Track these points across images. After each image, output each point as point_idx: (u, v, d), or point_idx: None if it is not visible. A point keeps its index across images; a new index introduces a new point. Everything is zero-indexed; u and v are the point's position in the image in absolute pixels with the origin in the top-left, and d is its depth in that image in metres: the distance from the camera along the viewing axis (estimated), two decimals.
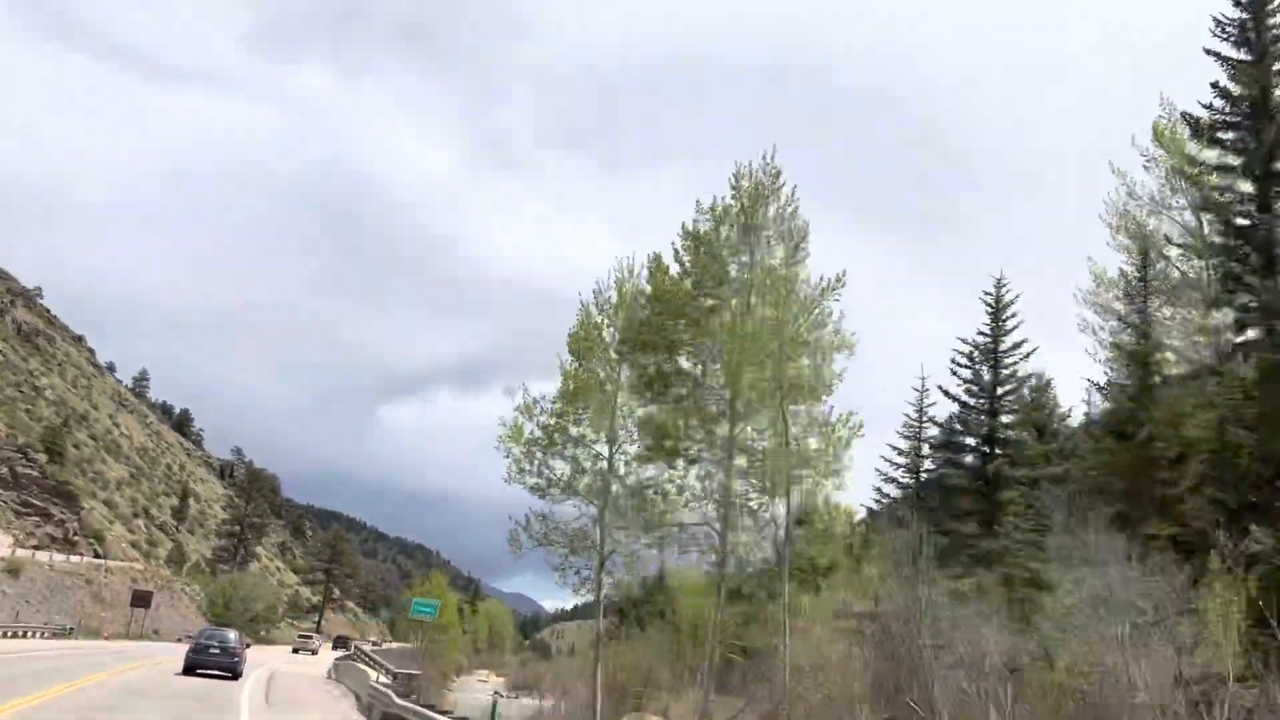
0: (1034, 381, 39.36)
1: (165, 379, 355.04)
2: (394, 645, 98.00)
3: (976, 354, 38.39)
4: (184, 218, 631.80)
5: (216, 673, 31.82)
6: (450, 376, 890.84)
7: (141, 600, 66.04)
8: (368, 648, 69.79)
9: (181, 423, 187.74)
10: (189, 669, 31.69)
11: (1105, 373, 33.19)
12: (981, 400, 38.28)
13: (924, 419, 42.70)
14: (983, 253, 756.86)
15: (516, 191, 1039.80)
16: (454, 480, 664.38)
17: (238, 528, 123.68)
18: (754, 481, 29.84)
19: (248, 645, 45.30)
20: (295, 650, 72.40)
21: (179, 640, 70.91)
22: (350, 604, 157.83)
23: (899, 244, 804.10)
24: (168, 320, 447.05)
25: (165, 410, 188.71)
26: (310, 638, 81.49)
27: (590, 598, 34.57)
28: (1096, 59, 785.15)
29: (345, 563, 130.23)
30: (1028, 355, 37.99)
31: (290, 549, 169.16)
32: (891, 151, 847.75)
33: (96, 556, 74.20)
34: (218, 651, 32.68)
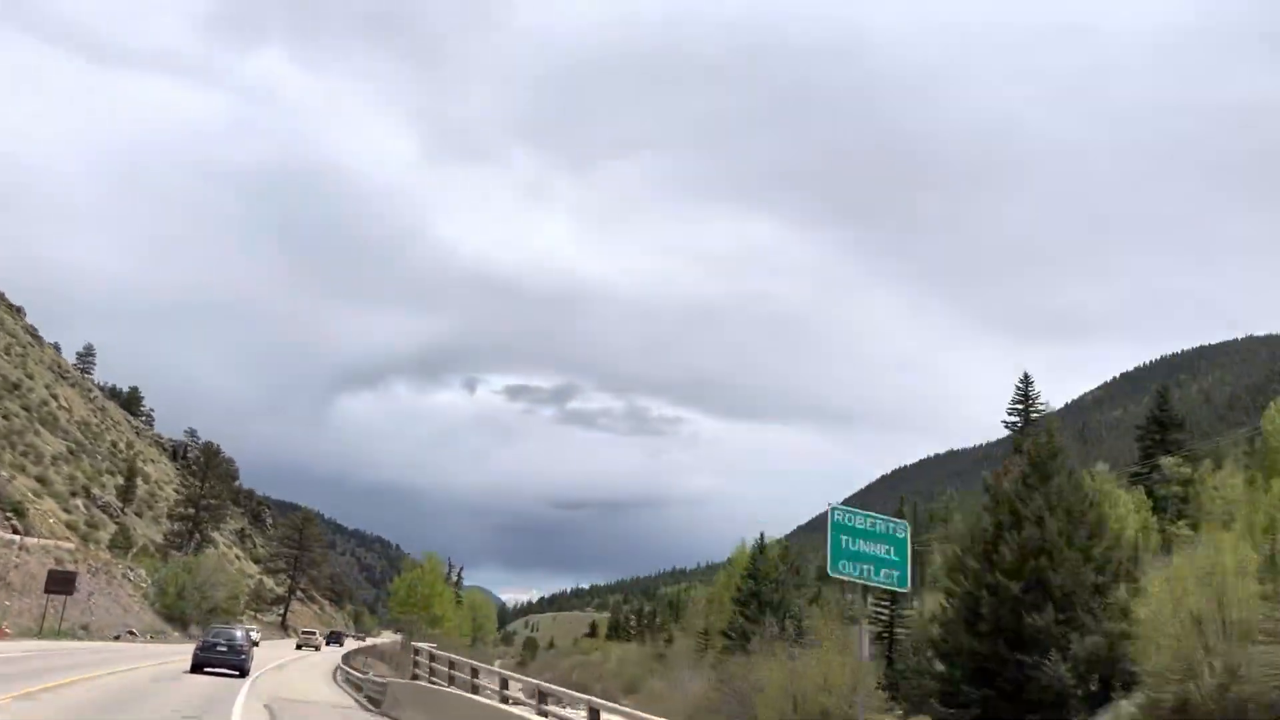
0: None
1: (115, 367, 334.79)
2: (380, 640, 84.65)
3: None
4: (137, 204, 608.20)
5: (224, 670, 32.07)
6: (409, 368, 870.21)
7: (61, 583, 49.89)
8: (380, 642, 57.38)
9: (130, 401, 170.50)
10: (196, 667, 32.09)
11: None
12: None
13: None
14: (940, 250, 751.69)
15: (479, 182, 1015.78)
16: (413, 473, 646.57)
17: (192, 509, 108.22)
18: None
19: (256, 644, 44.65)
20: (299, 646, 73.89)
21: (117, 638, 55.97)
22: (316, 595, 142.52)
23: (862, 234, 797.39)
24: (118, 308, 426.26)
25: (114, 393, 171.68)
26: (313, 633, 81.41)
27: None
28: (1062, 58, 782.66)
29: (313, 549, 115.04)
30: None
31: (250, 537, 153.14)
32: (857, 143, 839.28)
33: (15, 532, 58.82)
34: (225, 649, 32.94)
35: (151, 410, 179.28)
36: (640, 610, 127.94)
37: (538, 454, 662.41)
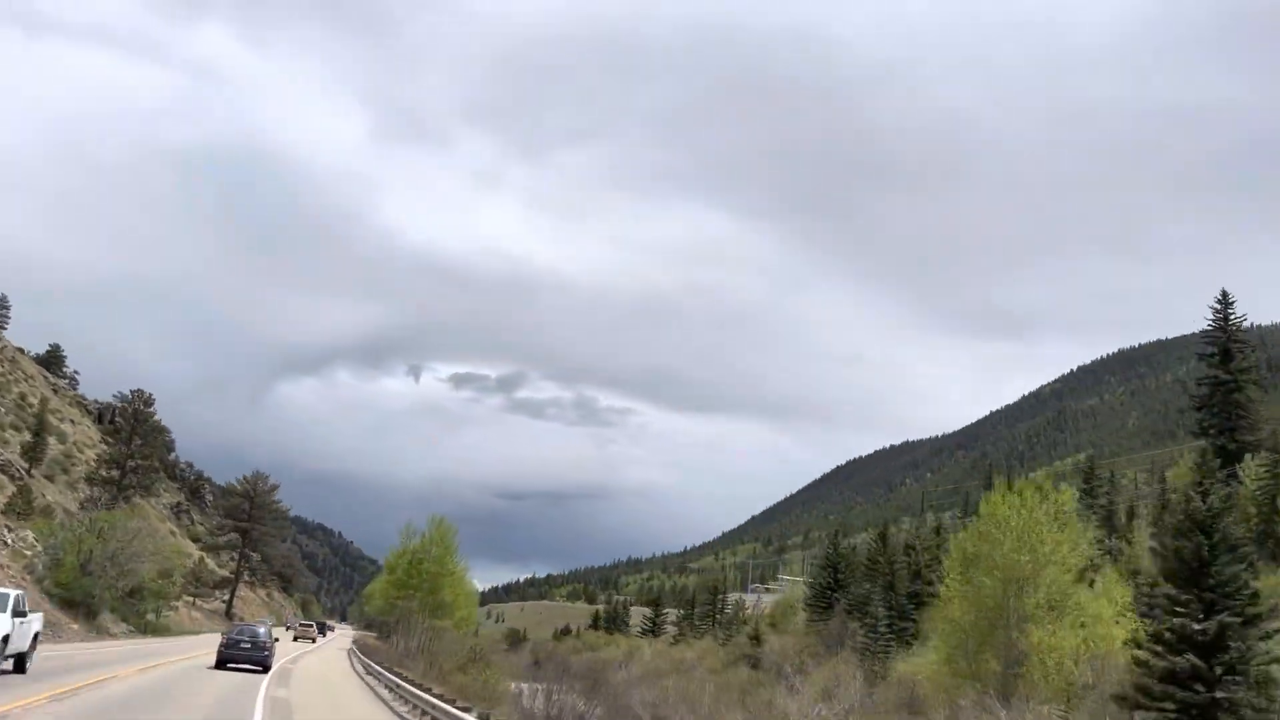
0: None
1: (38, 342, 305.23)
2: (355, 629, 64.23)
3: None
4: (72, 181, 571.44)
5: (247, 666, 32.20)
6: (353, 354, 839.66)
7: None
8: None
9: (51, 361, 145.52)
10: (221, 663, 32.19)
11: None
12: None
13: None
14: (899, 245, 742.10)
15: (428, 166, 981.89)
16: (355, 461, 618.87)
17: (116, 471, 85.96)
18: None
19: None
20: (296, 638, 72.69)
21: None
22: (266, 578, 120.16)
23: (816, 227, 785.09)
24: (50, 287, 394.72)
25: (38, 361, 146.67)
26: (311, 625, 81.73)
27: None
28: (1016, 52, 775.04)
29: (265, 522, 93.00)
30: None
31: (188, 513, 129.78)
32: (813, 136, 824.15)
33: None
34: (249, 646, 33.12)
35: (76, 373, 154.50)
36: (658, 600, 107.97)
37: (484, 443, 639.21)
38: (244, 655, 32.47)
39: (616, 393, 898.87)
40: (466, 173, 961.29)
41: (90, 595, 44.64)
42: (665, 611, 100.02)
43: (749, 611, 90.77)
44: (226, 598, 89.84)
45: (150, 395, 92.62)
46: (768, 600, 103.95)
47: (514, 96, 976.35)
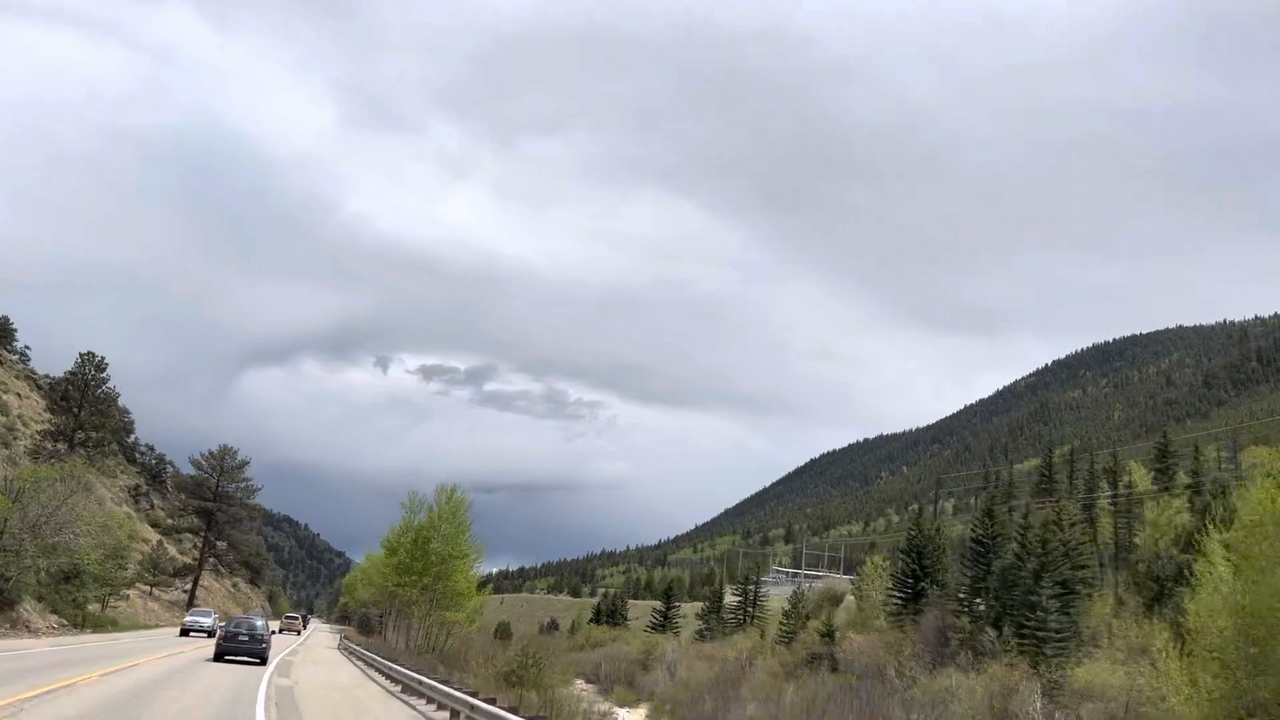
0: None
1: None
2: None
3: None
4: (31, 163, 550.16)
5: (246, 659, 32.01)
6: (319, 345, 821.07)
7: None
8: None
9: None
10: (219, 655, 31.99)
11: None
12: None
13: None
14: (871, 241, 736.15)
15: (398, 154, 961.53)
16: (322, 452, 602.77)
17: (62, 444, 74.15)
18: None
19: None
20: (281, 630, 70.88)
21: None
22: (235, 567, 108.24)
23: (786, 221, 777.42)
24: (6, 272, 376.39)
25: None
26: (295, 618, 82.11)
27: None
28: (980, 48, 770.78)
29: (234, 503, 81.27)
30: None
31: (148, 496, 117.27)
32: (783, 130, 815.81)
33: None
34: (246, 639, 32.76)
35: (27, 348, 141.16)
36: (669, 591, 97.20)
37: (452, 435, 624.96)
38: (243, 648, 32.44)
39: (586, 386, 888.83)
40: (437, 161, 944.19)
41: (3, 579, 33.41)
42: (676, 604, 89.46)
43: (770, 604, 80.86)
44: (189, 587, 78.14)
45: (103, 359, 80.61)
46: (781, 592, 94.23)
47: (485, 85, 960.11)
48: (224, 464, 76.26)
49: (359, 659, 40.55)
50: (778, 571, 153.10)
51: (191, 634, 46.60)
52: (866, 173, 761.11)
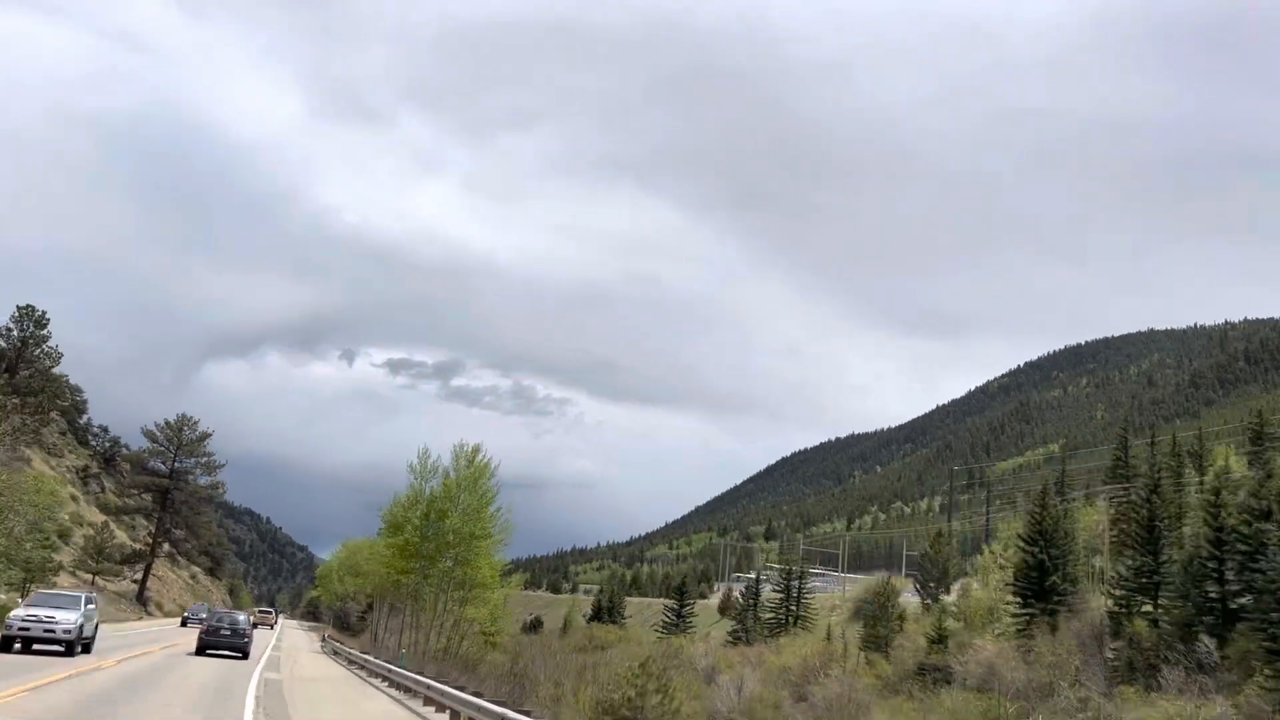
0: None
1: None
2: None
3: None
4: None
5: (227, 653, 31.26)
6: (283, 337, 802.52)
7: None
8: None
9: None
10: (201, 649, 31.37)
11: None
12: None
13: None
14: (839, 242, 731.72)
15: (366, 145, 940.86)
16: (285, 445, 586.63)
17: None
18: None
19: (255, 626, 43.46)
20: (255, 624, 60.71)
21: None
22: (193, 557, 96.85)
23: (757, 220, 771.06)
24: None
25: None
26: (269, 613, 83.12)
27: None
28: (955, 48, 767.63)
29: (192, 479, 70.26)
30: None
31: (98, 479, 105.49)
32: (756, 129, 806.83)
33: None
34: (228, 633, 32.12)
35: None
36: (682, 588, 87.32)
37: (418, 430, 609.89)
38: (224, 642, 31.54)
39: (554, 382, 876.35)
40: (406, 153, 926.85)
41: None
42: (690, 601, 79.76)
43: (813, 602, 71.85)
44: (139, 577, 67.03)
45: (44, 314, 69.32)
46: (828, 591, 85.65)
47: (457, 77, 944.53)
48: (182, 436, 65.24)
49: (367, 671, 30.62)
50: (769, 569, 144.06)
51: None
52: (838, 173, 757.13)
